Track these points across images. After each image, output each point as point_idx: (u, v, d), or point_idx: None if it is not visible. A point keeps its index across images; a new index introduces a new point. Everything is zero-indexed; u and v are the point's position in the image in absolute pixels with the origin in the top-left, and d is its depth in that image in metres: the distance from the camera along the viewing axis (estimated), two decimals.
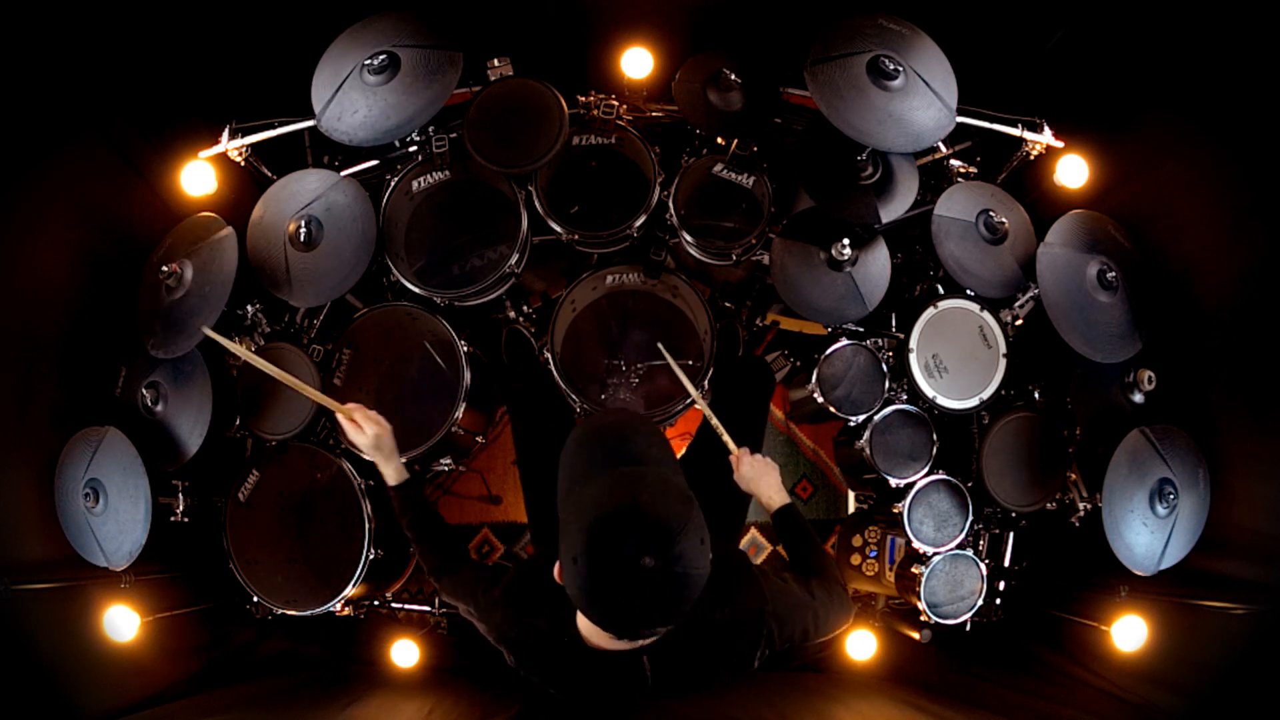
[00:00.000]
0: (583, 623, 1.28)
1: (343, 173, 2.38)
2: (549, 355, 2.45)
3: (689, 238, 2.39)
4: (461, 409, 2.33)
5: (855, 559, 2.63)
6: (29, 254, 2.07)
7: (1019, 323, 2.36)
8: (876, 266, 2.32)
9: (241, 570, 2.31)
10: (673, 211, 2.37)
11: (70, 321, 2.18)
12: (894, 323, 2.52)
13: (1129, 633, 2.14)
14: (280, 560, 2.43)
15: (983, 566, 2.38)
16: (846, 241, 2.23)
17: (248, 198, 2.33)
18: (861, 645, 2.65)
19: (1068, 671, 2.40)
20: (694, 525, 1.11)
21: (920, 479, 2.38)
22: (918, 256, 2.57)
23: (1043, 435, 2.35)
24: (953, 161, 2.46)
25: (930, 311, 2.34)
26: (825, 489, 2.98)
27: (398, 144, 2.35)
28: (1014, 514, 2.42)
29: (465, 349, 2.38)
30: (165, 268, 2.16)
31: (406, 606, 2.78)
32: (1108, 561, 2.13)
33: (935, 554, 2.35)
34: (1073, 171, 2.31)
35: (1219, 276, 2.15)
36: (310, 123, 2.24)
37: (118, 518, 2.09)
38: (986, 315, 2.35)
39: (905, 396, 2.43)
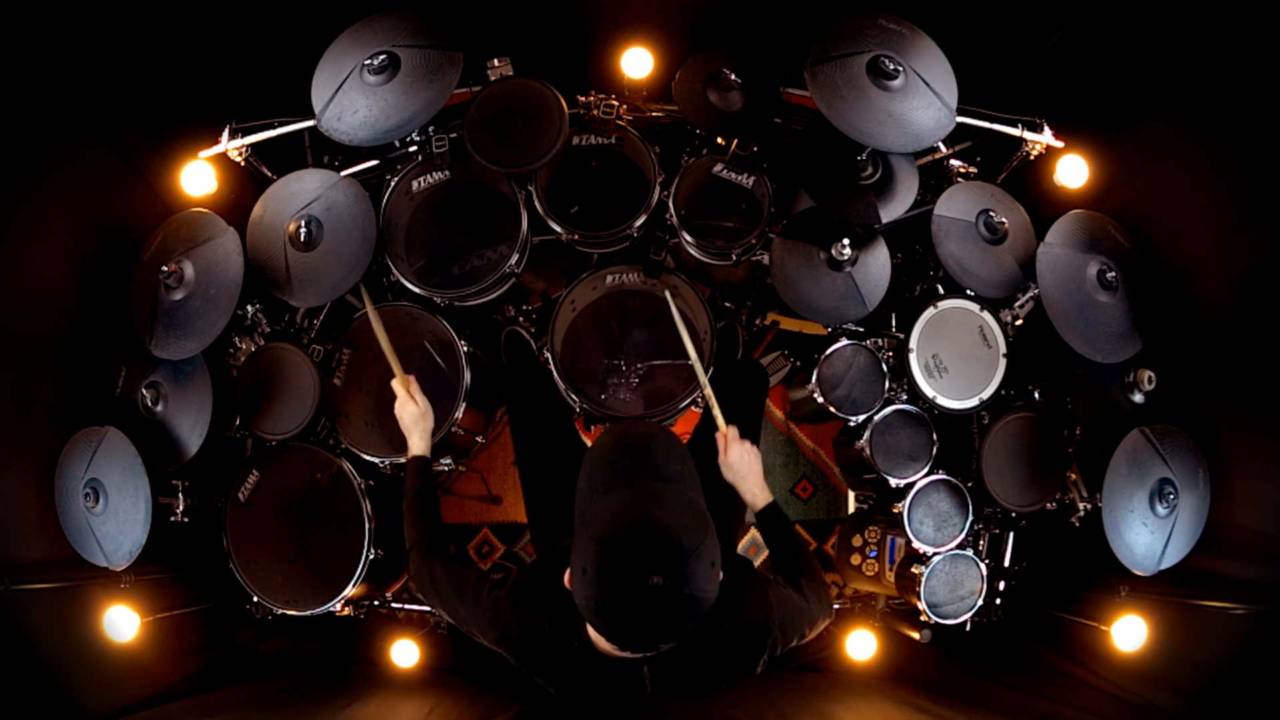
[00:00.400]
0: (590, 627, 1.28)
1: (343, 173, 2.37)
2: (549, 355, 2.45)
3: (689, 238, 2.39)
4: (461, 409, 2.33)
5: (855, 559, 2.63)
6: (29, 254, 2.07)
7: (1019, 323, 2.36)
8: (876, 266, 2.32)
9: (241, 570, 2.31)
10: (673, 211, 2.37)
11: (70, 321, 2.18)
12: (894, 323, 2.52)
13: (1129, 633, 2.14)
14: (280, 560, 2.44)
15: (983, 566, 2.38)
16: (846, 241, 2.23)
17: (248, 198, 2.33)
18: (861, 645, 2.65)
19: (1068, 671, 2.40)
20: (707, 548, 1.11)
21: (920, 479, 2.38)
22: (918, 256, 2.56)
23: (1043, 435, 2.35)
24: (953, 161, 2.46)
25: (930, 311, 2.35)
26: (825, 489, 2.98)
27: (398, 144, 2.35)
28: (1014, 514, 2.42)
29: (465, 349, 2.37)
30: (165, 268, 2.16)
31: (406, 606, 2.78)
32: (1108, 561, 2.13)
33: (935, 554, 2.35)
34: (1073, 171, 2.31)
35: (1219, 276, 2.14)
36: (310, 123, 2.23)
37: (118, 518, 2.09)
38: (986, 315, 2.35)
39: (905, 396, 2.43)
